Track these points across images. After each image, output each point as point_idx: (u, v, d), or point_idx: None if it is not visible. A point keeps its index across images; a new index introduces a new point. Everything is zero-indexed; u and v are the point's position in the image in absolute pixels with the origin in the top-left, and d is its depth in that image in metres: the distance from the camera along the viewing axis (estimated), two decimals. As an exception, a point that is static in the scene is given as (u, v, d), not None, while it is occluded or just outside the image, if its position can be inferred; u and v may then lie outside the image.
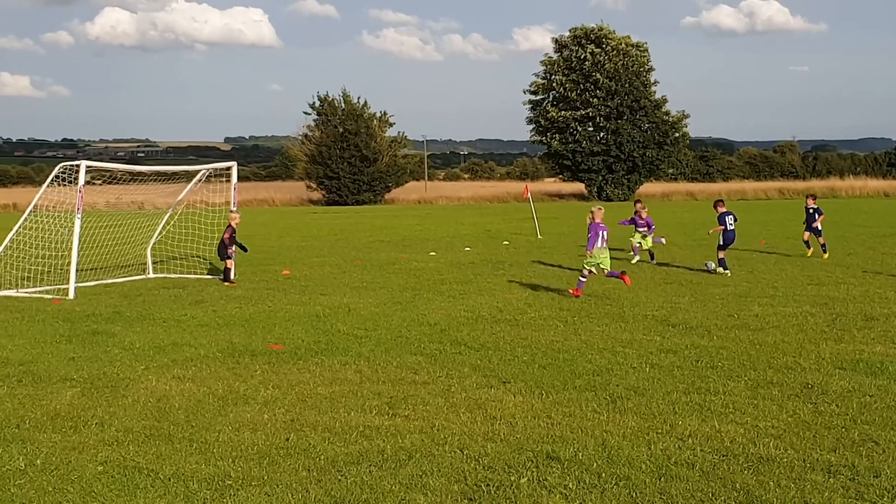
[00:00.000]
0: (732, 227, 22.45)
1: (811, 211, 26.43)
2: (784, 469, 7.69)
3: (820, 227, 26.30)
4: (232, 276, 22.04)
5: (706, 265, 22.46)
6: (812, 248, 26.65)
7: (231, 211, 23.11)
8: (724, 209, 22.75)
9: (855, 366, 11.66)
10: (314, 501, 7.16)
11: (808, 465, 7.79)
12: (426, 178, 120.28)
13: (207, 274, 23.86)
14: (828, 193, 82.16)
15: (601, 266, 18.62)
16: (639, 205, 26.69)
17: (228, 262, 21.95)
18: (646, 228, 25.73)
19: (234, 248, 22.15)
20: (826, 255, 25.72)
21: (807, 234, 26.72)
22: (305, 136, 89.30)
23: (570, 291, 18.79)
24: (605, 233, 18.91)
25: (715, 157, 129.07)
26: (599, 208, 19.61)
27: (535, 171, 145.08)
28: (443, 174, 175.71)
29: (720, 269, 21.92)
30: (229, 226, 22.31)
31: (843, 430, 8.83)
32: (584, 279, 18.70)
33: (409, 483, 7.51)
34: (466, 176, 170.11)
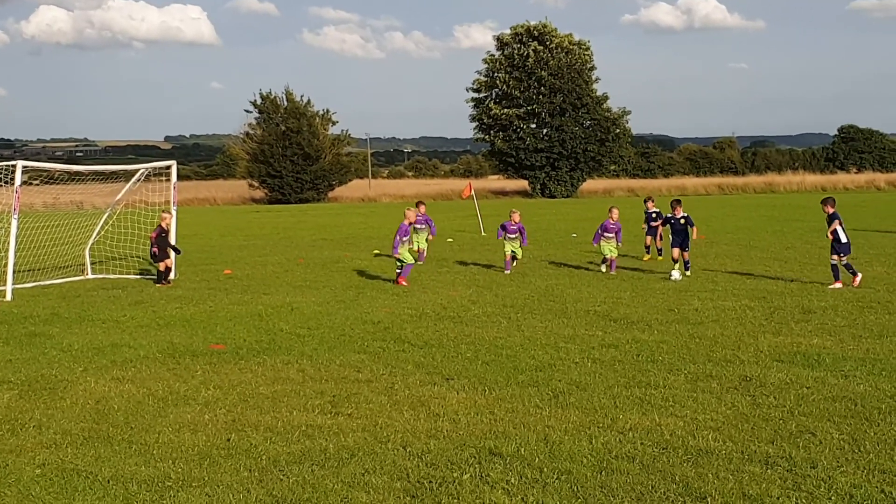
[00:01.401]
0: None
1: (653, 215, 25.43)
2: (723, 461, 7.78)
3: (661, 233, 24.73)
4: (170, 276, 21.72)
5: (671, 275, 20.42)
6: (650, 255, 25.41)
7: (163, 211, 22.71)
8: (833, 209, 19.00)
9: (793, 358, 11.84)
10: (255, 502, 7.11)
11: (746, 456, 7.89)
12: (370, 176, 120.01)
13: (147, 275, 23.59)
14: (766, 189, 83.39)
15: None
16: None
17: (161, 263, 21.52)
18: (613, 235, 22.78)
19: (164, 248, 21.67)
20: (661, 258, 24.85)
21: (649, 238, 25.54)
22: (247, 134, 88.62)
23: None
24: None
25: (656, 154, 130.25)
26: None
27: (479, 169, 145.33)
28: (387, 172, 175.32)
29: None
30: (158, 226, 21.93)
31: (781, 421, 8.96)
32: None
33: (351, 481, 7.49)
34: (410, 174, 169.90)
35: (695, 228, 21.29)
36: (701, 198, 76.26)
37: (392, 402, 10.06)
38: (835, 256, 18.54)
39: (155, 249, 21.53)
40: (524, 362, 11.99)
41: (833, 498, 6.90)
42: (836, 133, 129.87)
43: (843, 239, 18.54)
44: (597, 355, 12.33)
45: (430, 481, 7.45)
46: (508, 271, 22.42)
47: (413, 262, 20.98)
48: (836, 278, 18.40)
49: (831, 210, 18.87)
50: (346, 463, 7.96)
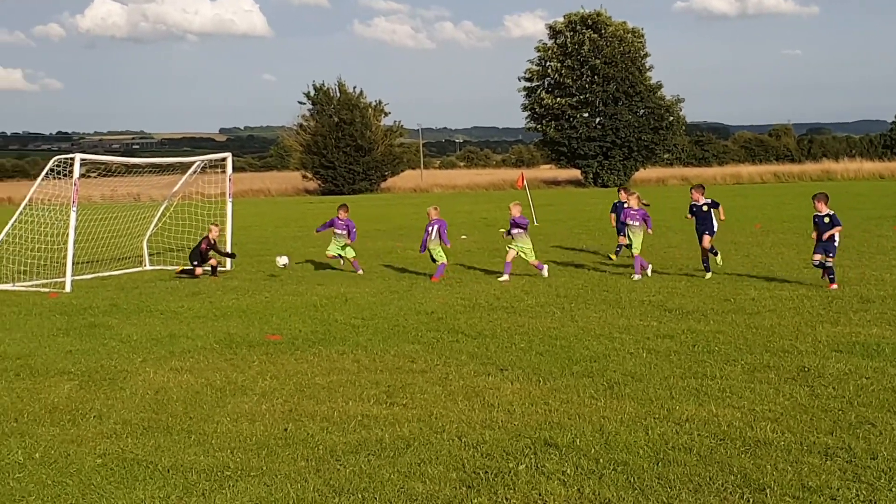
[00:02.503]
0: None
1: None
2: (781, 452, 7.70)
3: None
4: (197, 272, 21.33)
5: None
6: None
7: (212, 224, 22.71)
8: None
9: (851, 348, 11.68)
10: (313, 491, 7.17)
11: (805, 447, 7.81)
12: (422, 166, 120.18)
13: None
14: (823, 176, 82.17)
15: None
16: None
17: (198, 269, 21.35)
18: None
19: (210, 257, 21.57)
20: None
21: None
22: (300, 125, 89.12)
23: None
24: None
25: (710, 142, 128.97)
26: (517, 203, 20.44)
27: (530, 159, 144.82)
28: (438, 162, 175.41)
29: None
30: (206, 237, 21.83)
31: (840, 412, 8.85)
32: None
33: (407, 471, 7.53)
34: (462, 164, 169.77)
35: (721, 209, 19.28)
36: (756, 186, 75.45)
37: (446, 393, 10.09)
38: (831, 258, 16.81)
39: (198, 262, 21.45)
40: (578, 353, 11.96)
41: (894, 489, 6.81)
42: (894, 119, 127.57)
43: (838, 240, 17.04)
44: (652, 346, 12.26)
45: (486, 472, 7.46)
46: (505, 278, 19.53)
47: (445, 261, 20.32)
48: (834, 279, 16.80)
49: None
50: (401, 453, 8.00)
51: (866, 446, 7.78)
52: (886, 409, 8.89)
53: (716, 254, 19.40)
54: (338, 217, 21.88)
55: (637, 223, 19.78)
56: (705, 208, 19.08)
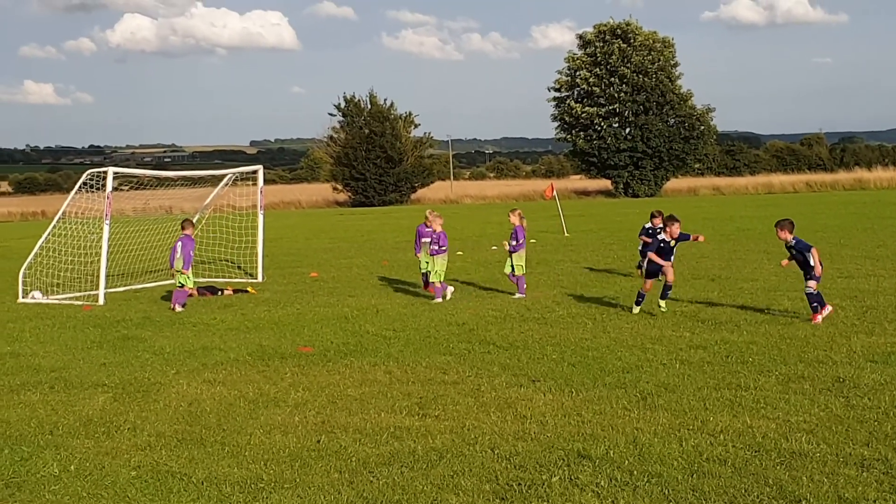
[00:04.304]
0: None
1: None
2: (817, 464, 7.64)
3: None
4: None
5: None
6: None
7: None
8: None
9: (887, 359, 11.57)
10: (346, 503, 7.17)
11: (841, 459, 7.74)
12: (452, 177, 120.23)
13: (236, 278, 23.95)
14: (856, 185, 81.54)
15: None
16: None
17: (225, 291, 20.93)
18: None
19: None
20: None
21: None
22: (331, 137, 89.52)
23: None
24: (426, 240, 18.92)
25: (741, 151, 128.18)
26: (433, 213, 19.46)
27: (560, 169, 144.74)
28: (468, 173, 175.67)
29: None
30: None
31: (876, 423, 8.77)
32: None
33: (440, 483, 7.52)
34: (492, 175, 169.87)
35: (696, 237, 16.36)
36: (789, 195, 74.94)
37: (479, 404, 10.08)
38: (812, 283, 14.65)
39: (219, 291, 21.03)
40: (611, 364, 11.92)
41: (933, 502, 6.74)
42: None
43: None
44: (685, 357, 12.19)
45: (519, 483, 7.44)
46: (438, 298, 18.33)
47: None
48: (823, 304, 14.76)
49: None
50: (434, 465, 8.00)
51: (904, 458, 7.70)
52: (924, 421, 8.79)
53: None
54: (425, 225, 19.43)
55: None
56: (672, 243, 15.96)
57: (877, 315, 14.84)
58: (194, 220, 23.14)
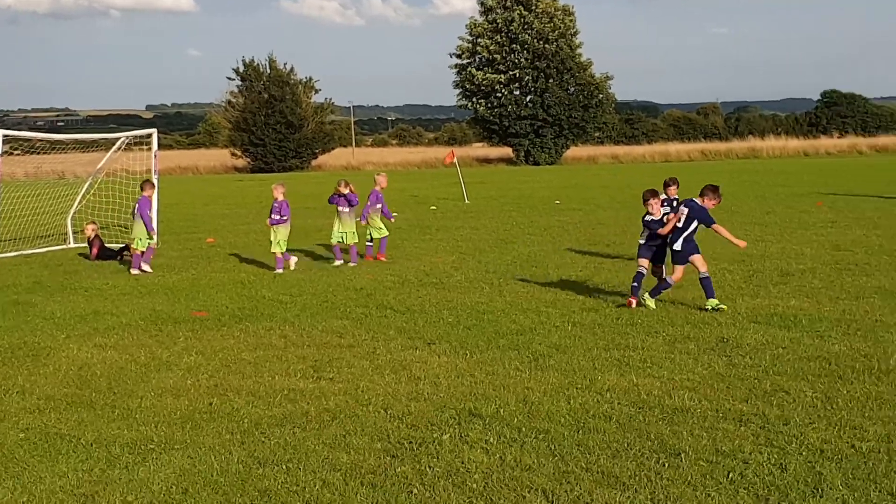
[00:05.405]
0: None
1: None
2: (697, 419, 7.91)
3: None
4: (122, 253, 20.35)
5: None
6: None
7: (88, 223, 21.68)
8: None
9: (769, 319, 11.97)
10: (237, 463, 7.20)
11: (720, 414, 8.03)
12: (353, 144, 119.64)
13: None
14: (749, 154, 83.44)
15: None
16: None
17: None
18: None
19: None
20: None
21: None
22: (229, 102, 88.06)
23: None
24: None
25: (640, 120, 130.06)
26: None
27: (463, 137, 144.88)
28: (370, 140, 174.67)
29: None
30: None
31: (756, 381, 9.09)
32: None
33: (332, 443, 7.59)
34: (394, 142, 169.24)
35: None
36: (685, 164, 76.34)
37: (374, 367, 10.16)
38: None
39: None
40: (505, 326, 12.10)
41: (804, 453, 7.03)
42: (819, 98, 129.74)
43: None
44: (577, 319, 12.44)
45: (410, 442, 7.55)
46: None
47: (388, 233, 19.48)
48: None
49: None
50: (327, 425, 8.06)
51: (779, 413, 8.02)
52: (800, 378, 9.14)
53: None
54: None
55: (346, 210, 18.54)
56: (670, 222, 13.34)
57: (762, 278, 15.32)
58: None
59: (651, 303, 13.16)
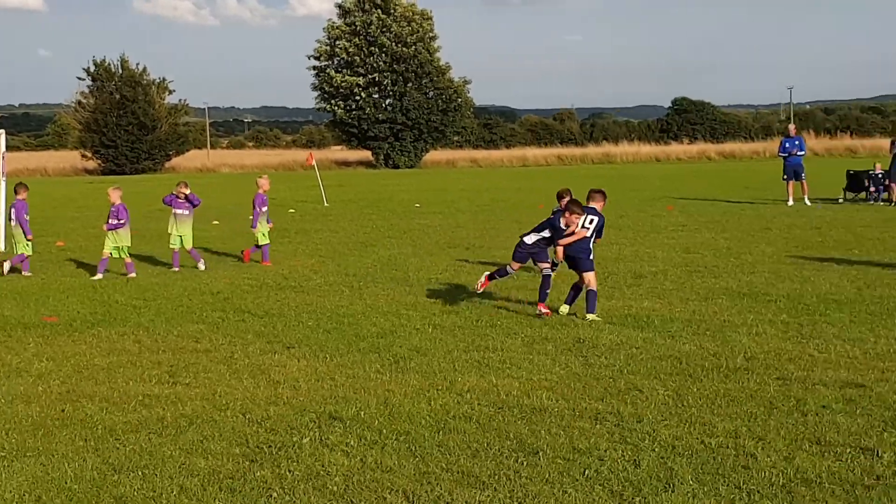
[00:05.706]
0: None
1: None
2: (555, 418, 8.07)
3: None
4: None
5: None
6: None
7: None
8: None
9: (623, 320, 12.29)
10: (91, 470, 7.01)
11: (577, 413, 8.21)
12: (209, 145, 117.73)
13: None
14: (604, 159, 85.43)
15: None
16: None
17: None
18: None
19: None
20: None
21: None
22: (79, 103, 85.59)
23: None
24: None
25: (498, 125, 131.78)
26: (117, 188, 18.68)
27: (321, 139, 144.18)
28: (226, 142, 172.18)
29: None
30: None
31: (611, 380, 9.33)
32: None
33: (189, 448, 7.46)
34: (251, 144, 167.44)
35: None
36: (542, 168, 77.69)
37: (231, 371, 10.03)
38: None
39: None
40: (366, 329, 12.11)
41: (657, 449, 7.25)
42: (670, 105, 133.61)
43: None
44: (438, 321, 12.53)
45: (270, 446, 7.49)
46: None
47: (269, 242, 19.09)
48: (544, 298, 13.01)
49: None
50: (183, 431, 7.93)
51: (633, 410, 8.24)
52: (653, 377, 9.42)
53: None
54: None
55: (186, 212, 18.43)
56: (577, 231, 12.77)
57: (616, 280, 15.71)
58: None
59: (565, 309, 12.86)
